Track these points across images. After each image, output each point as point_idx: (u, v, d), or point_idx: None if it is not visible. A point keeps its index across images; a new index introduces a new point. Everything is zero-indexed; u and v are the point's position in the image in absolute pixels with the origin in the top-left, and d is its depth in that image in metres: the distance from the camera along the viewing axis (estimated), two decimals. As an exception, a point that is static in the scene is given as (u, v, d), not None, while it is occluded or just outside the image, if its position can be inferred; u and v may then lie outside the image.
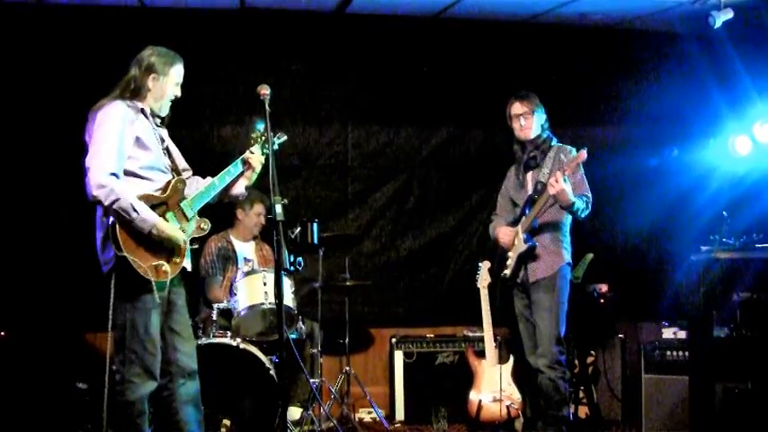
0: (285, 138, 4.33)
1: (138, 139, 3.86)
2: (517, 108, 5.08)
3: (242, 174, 4.21)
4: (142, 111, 3.93)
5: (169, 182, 3.95)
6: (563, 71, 6.58)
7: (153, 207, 3.82)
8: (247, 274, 5.35)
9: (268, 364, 5.05)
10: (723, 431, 4.88)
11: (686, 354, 5.44)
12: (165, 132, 4.11)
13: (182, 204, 3.96)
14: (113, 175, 3.72)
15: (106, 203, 3.68)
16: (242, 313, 5.22)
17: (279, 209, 3.70)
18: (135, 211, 3.70)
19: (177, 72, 4.02)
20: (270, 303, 5.20)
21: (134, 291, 3.76)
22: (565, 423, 4.95)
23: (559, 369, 4.90)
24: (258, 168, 4.20)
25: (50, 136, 5.84)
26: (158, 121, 4.06)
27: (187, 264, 4.00)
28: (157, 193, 3.89)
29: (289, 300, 5.27)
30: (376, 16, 6.44)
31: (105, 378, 3.82)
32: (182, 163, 4.19)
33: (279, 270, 3.74)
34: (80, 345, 6.04)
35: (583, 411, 6.03)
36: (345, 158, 6.68)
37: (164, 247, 3.83)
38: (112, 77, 4.02)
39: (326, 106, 6.64)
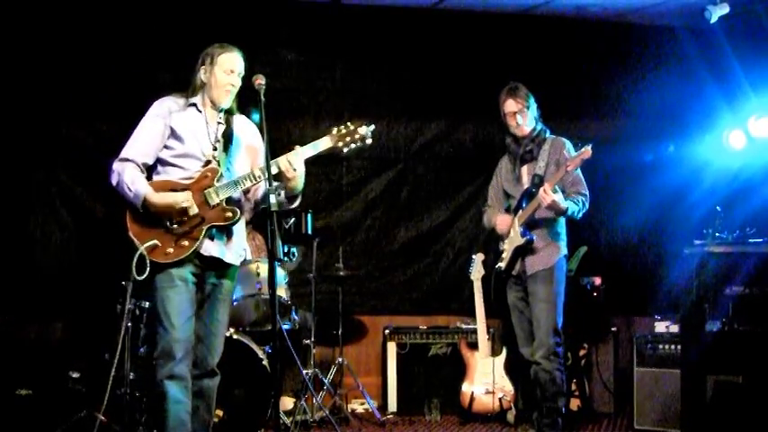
0: (373, 126, 4.01)
1: (173, 131, 3.91)
2: (511, 105, 5.03)
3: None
4: (194, 104, 3.96)
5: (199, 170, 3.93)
6: (558, 64, 6.57)
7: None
8: (241, 264, 5.34)
9: (261, 355, 5.04)
10: (714, 424, 4.89)
11: (678, 347, 5.44)
12: (231, 128, 3.99)
13: (205, 191, 3.87)
14: (125, 160, 3.86)
15: (114, 185, 3.86)
16: (235, 303, 5.21)
17: (273, 199, 3.67)
18: (129, 189, 3.81)
19: (225, 59, 3.96)
20: (263, 294, 5.19)
21: (148, 271, 3.78)
22: (560, 415, 4.94)
23: (556, 360, 4.89)
24: (295, 181, 3.88)
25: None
26: (220, 115, 4.00)
27: (213, 251, 3.93)
28: (183, 181, 3.88)
29: (282, 290, 5.26)
30: (371, 7, 6.42)
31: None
32: (257, 161, 4.04)
33: (272, 260, 3.71)
34: (74, 334, 6.03)
35: (575, 404, 6.04)
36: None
37: (166, 228, 3.83)
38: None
39: (321, 97, 6.63)
